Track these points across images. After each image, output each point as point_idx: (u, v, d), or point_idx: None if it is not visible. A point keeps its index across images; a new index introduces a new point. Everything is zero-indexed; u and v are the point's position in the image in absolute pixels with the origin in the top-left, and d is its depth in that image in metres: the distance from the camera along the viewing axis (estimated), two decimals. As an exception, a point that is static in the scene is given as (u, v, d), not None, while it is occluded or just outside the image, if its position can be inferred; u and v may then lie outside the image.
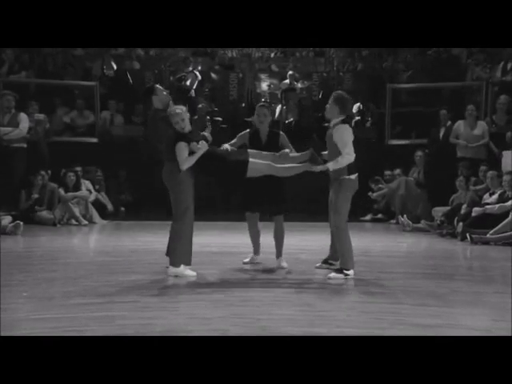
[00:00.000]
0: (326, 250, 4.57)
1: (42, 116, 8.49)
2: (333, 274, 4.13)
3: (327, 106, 4.27)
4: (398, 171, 8.61)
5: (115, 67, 10.36)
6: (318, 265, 4.50)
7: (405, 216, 7.66)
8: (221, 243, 5.96)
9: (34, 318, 2.88)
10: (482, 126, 8.14)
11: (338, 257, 4.26)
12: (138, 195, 8.95)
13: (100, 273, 4.28)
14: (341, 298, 3.56)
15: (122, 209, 8.97)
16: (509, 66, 8.56)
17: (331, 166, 4.10)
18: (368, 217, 8.66)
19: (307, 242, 6.10)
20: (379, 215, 8.59)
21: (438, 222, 7.06)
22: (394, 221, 8.28)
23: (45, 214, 7.84)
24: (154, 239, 6.24)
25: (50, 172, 8.26)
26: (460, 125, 8.18)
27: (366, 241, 6.43)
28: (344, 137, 4.14)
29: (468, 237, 6.32)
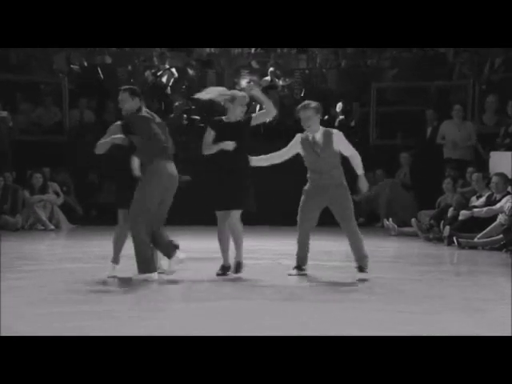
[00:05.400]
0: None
1: (4, 113, 8.34)
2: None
3: (307, 118, 4.32)
4: (379, 172, 8.64)
5: (85, 63, 10.24)
6: (293, 272, 4.48)
7: (390, 219, 7.72)
8: (201, 249, 5.93)
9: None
10: (468, 127, 8.26)
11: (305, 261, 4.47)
12: (110, 198, 8.83)
13: (67, 281, 4.20)
14: (324, 304, 3.56)
15: (94, 212, 8.85)
16: (496, 64, 8.71)
17: (362, 170, 4.44)
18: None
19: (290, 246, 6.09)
20: (360, 219, 8.61)
21: (428, 225, 7.11)
22: (378, 224, 8.34)
23: (8, 217, 7.69)
24: (125, 245, 6.17)
25: (14, 173, 8.12)
26: (446, 125, 8.29)
27: (347, 245, 6.44)
28: (345, 139, 4.42)
29: (455, 241, 6.39)
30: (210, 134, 4.36)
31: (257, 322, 2.97)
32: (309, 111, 4.32)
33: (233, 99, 4.29)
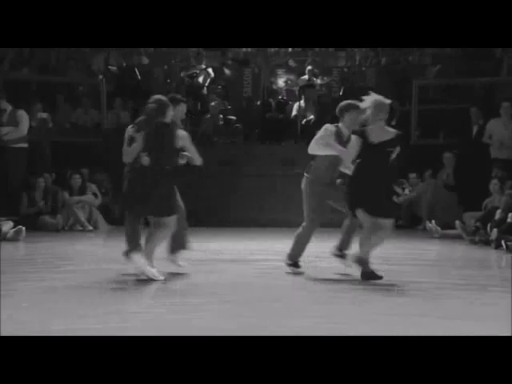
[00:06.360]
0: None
1: (45, 115, 8.56)
2: None
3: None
4: (428, 172, 8.48)
5: (124, 63, 10.43)
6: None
7: (433, 222, 7.56)
8: (234, 250, 5.95)
9: (34, 331, 2.87)
10: (518, 125, 8.00)
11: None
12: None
13: (106, 281, 4.28)
14: (360, 308, 3.51)
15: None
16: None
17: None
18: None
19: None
20: (399, 222, 8.46)
21: (473, 227, 6.93)
22: (420, 227, 8.17)
23: (48, 218, 7.89)
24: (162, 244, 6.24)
25: (53, 174, 8.33)
26: (494, 123, 8.05)
27: (389, 248, 6.35)
28: None
29: (503, 244, 6.20)
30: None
31: (285, 322, 2.97)
32: None
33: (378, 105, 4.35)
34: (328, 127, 4.60)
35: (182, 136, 4.34)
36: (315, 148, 4.55)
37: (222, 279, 4.39)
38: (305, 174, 4.63)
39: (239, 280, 4.37)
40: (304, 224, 4.61)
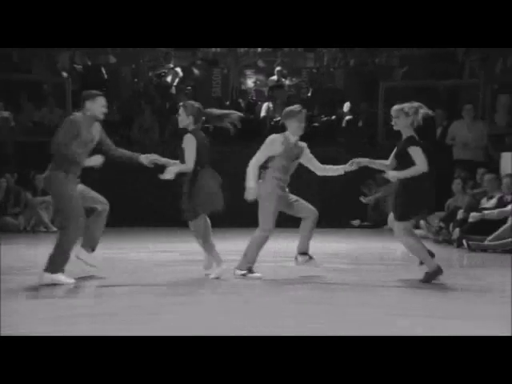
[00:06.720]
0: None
1: (6, 113, 8.40)
2: None
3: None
4: None
5: (89, 62, 10.30)
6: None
7: (399, 222, 7.69)
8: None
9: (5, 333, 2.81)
10: (480, 127, 8.22)
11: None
12: (113, 199, 8.84)
13: (69, 285, 4.22)
14: (330, 307, 3.56)
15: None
16: (509, 63, 8.66)
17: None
18: (356, 222, 8.73)
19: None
20: (365, 223, 8.65)
21: (437, 227, 7.10)
22: (387, 226, 8.31)
23: (9, 219, 7.75)
24: (130, 246, 6.20)
25: (15, 174, 8.18)
26: (457, 125, 8.26)
27: (356, 247, 6.45)
28: None
29: (465, 243, 6.37)
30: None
31: (273, 322, 2.99)
32: None
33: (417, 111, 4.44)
34: (274, 138, 4.53)
35: None
36: (252, 165, 4.47)
37: (203, 279, 4.38)
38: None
39: (222, 281, 4.35)
40: (257, 231, 4.50)
